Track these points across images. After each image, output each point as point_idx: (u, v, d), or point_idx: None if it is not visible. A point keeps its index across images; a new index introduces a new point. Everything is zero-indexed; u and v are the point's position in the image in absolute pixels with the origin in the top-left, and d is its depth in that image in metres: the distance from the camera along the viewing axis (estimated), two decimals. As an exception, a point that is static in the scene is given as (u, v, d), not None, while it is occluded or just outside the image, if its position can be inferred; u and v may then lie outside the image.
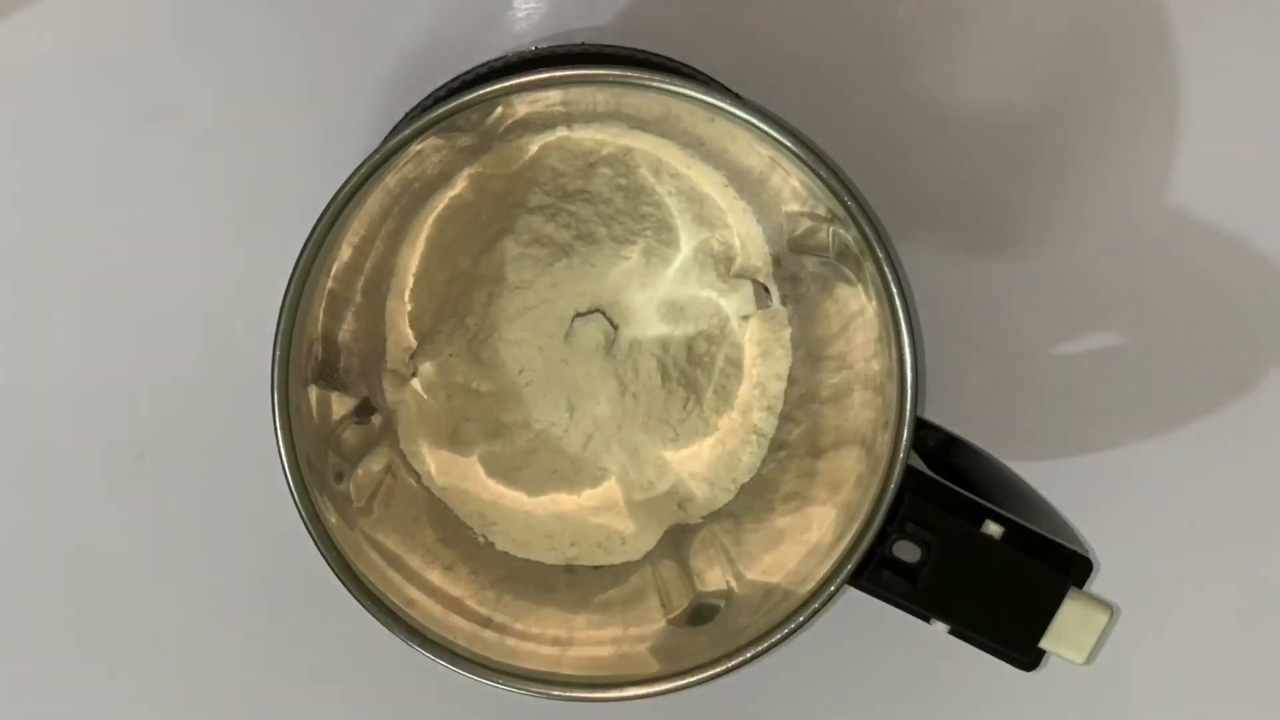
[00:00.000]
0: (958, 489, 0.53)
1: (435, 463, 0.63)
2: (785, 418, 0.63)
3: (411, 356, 0.63)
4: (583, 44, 0.62)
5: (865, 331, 0.58)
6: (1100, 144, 0.65)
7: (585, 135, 0.61)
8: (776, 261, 0.63)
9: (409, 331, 0.63)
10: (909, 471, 0.53)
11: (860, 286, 0.57)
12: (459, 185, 0.61)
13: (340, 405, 0.60)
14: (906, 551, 0.53)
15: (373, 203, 0.57)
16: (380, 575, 0.56)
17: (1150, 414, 0.66)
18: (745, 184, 0.61)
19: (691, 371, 0.63)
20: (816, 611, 0.54)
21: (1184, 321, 0.66)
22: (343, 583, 0.55)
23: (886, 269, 0.53)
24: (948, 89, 0.65)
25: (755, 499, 0.63)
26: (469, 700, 0.68)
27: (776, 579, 0.58)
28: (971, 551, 0.53)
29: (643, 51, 0.61)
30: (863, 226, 0.53)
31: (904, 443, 0.53)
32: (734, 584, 0.60)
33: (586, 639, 0.59)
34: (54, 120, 0.65)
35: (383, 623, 0.55)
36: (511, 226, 0.62)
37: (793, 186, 0.58)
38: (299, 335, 0.54)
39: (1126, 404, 0.66)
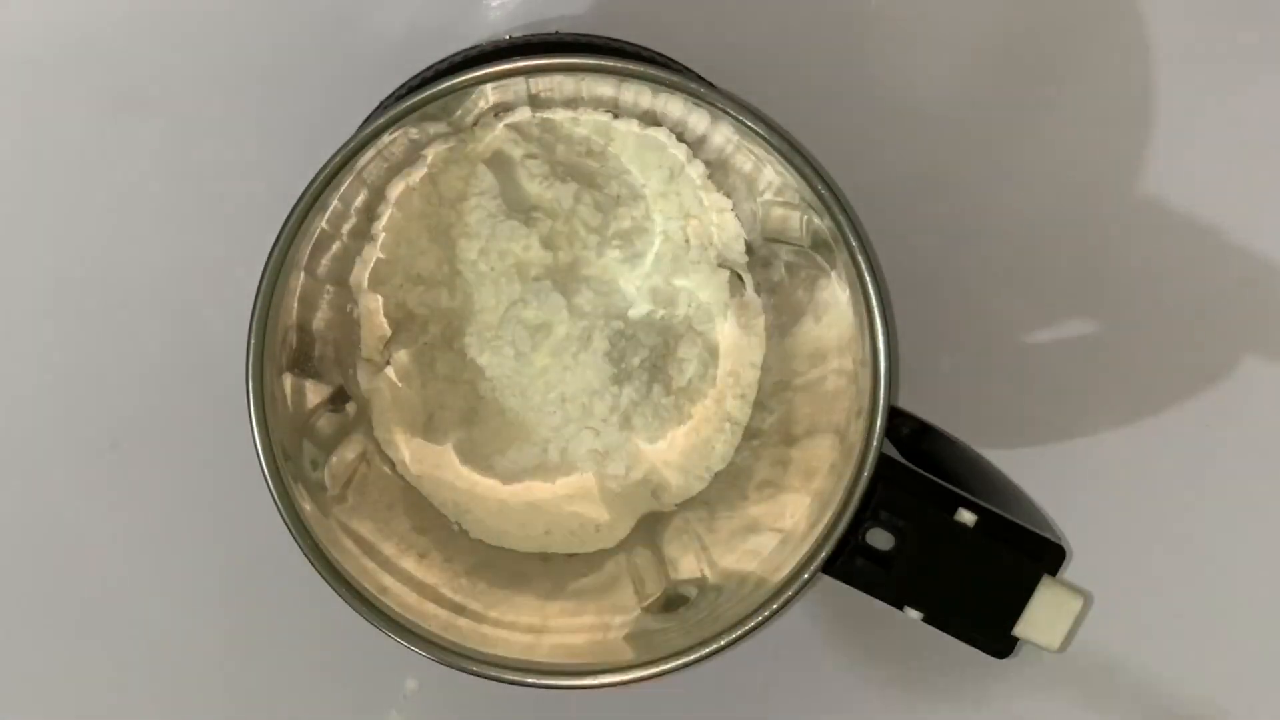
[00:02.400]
0: (931, 477, 0.54)
1: (409, 451, 0.63)
2: (759, 405, 0.64)
3: (386, 344, 0.63)
4: (557, 33, 0.63)
5: (839, 319, 0.58)
6: (1072, 133, 0.65)
7: (558, 121, 0.61)
8: (751, 250, 0.63)
9: (383, 319, 0.63)
10: (882, 459, 0.53)
11: (834, 275, 0.57)
12: (430, 170, 0.61)
13: (315, 393, 0.60)
14: (880, 539, 0.54)
15: (347, 190, 0.57)
16: (355, 563, 0.56)
17: (1123, 401, 0.67)
18: (720, 172, 0.61)
19: (665, 359, 0.63)
20: (790, 599, 0.54)
21: (1155, 309, 0.66)
22: (317, 570, 0.55)
23: (860, 257, 0.53)
24: (920, 78, 0.65)
25: (729, 487, 0.63)
26: (443, 688, 0.68)
27: (750, 567, 0.58)
28: (945, 539, 0.53)
29: (617, 40, 0.61)
30: (836, 214, 0.53)
31: (877, 430, 0.53)
32: (708, 572, 0.60)
33: (561, 626, 0.59)
34: (25, 106, 0.65)
35: (357, 610, 0.55)
36: (485, 213, 0.62)
37: (767, 175, 0.58)
38: (273, 323, 0.54)
39: (1099, 391, 0.67)
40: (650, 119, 0.60)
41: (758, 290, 0.63)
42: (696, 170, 0.61)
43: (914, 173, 0.65)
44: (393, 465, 0.63)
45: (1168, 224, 0.65)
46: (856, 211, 0.53)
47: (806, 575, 0.54)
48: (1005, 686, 0.67)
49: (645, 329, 0.63)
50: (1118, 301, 0.66)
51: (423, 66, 0.60)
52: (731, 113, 0.53)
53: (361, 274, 0.62)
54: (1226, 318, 0.66)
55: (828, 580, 0.54)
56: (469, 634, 0.57)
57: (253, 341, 0.53)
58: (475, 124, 0.60)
